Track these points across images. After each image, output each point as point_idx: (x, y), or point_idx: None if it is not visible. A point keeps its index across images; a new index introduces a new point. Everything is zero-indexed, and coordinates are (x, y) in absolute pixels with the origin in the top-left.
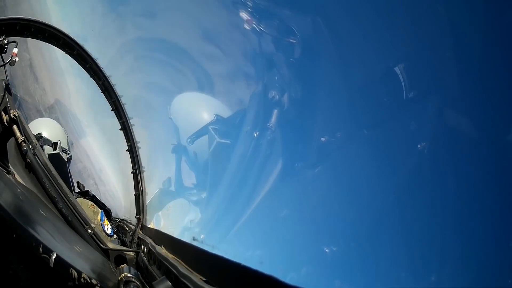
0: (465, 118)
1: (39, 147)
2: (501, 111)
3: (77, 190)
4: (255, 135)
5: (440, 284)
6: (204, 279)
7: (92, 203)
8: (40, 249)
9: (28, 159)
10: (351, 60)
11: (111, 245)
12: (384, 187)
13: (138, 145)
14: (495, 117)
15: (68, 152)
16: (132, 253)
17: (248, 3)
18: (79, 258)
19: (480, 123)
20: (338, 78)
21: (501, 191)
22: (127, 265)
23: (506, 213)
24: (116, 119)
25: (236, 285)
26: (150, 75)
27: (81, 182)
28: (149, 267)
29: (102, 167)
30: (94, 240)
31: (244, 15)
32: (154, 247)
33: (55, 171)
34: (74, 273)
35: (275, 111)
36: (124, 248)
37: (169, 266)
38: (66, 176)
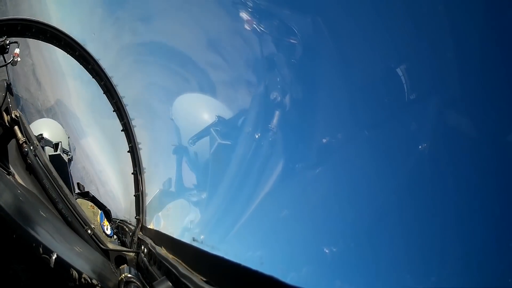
0: (465, 119)
1: (40, 148)
2: (502, 111)
3: (77, 191)
4: (256, 136)
5: (440, 284)
6: (204, 279)
7: (92, 204)
8: (41, 249)
9: (29, 160)
10: (351, 61)
11: (111, 246)
12: (385, 188)
13: (139, 146)
14: (495, 118)
15: (69, 153)
16: (132, 254)
17: (248, 3)
18: (80, 259)
19: (481, 123)
20: (339, 78)
21: (501, 191)
22: (127, 265)
23: (506, 213)
24: (117, 120)
25: (237, 286)
26: (152, 76)
27: (81, 183)
28: (150, 267)
29: (102, 168)
30: (94, 241)
31: (244, 16)
32: (154, 248)
33: (55, 172)
34: (75, 273)
35: (277, 112)
36: (124, 248)
37: (169, 266)
38: (66, 177)
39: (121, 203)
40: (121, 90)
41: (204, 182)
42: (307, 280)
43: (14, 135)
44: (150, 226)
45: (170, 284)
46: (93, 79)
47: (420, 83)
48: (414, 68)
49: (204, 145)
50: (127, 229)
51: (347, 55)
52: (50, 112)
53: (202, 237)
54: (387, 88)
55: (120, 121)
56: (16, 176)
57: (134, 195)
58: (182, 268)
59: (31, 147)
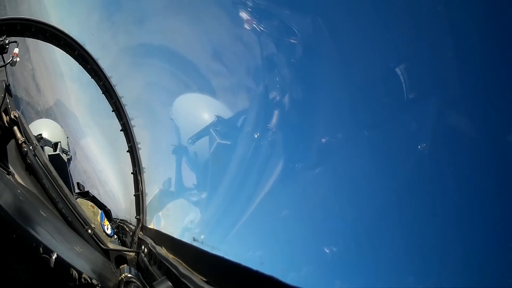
0: (465, 119)
1: (40, 148)
2: (502, 111)
3: (77, 190)
4: (256, 136)
5: (440, 284)
6: (204, 279)
7: (92, 203)
8: (41, 249)
9: (28, 160)
10: (351, 61)
11: (111, 246)
12: (385, 188)
13: (139, 146)
14: (495, 118)
15: (68, 153)
16: (132, 254)
17: (248, 3)
18: (80, 259)
19: (481, 123)
20: (339, 78)
21: (501, 191)
22: (127, 265)
23: (506, 213)
24: (116, 120)
25: (237, 286)
26: (151, 76)
27: (81, 183)
28: (150, 267)
29: (102, 168)
30: (94, 241)
31: (244, 15)
32: (154, 248)
33: (55, 172)
34: (75, 273)
35: (276, 112)
36: (125, 248)
37: (169, 266)
38: (66, 177)
39: (121, 203)
40: (120, 90)
41: (204, 181)
42: (307, 280)
43: (14, 135)
44: (151, 226)
45: (170, 284)
46: (92, 79)
47: (420, 83)
48: (414, 68)
49: (203, 145)
50: (127, 229)
51: (347, 55)
52: (49, 113)
53: (202, 237)
54: (387, 88)
55: (119, 121)
56: (16, 176)
57: (134, 195)
58: (182, 268)
59: (31, 147)
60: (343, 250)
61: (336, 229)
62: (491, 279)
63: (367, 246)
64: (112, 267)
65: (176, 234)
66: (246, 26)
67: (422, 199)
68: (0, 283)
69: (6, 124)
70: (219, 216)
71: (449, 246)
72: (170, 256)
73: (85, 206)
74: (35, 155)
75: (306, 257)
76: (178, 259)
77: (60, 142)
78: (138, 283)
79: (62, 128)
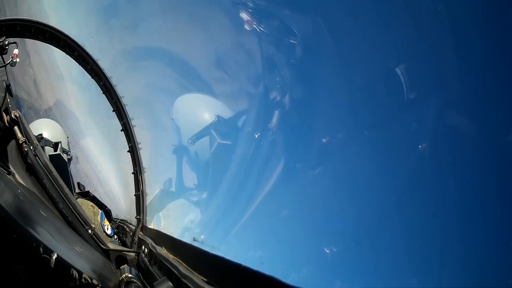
0: (465, 119)
1: (40, 148)
2: (502, 111)
3: (77, 190)
4: (256, 136)
5: (441, 284)
6: (205, 279)
7: (92, 203)
8: (41, 249)
9: (29, 160)
10: (352, 61)
11: (111, 246)
12: (385, 188)
13: (139, 146)
14: (495, 118)
15: (69, 153)
16: (132, 254)
17: (248, 3)
18: (80, 259)
19: (481, 123)
20: (339, 78)
21: (501, 191)
22: (128, 265)
23: (507, 213)
24: (116, 120)
25: (237, 286)
26: (152, 76)
27: (81, 182)
28: (150, 267)
29: (102, 168)
30: (94, 241)
31: (244, 16)
32: (154, 248)
33: (55, 172)
34: (75, 273)
35: (276, 112)
36: (125, 248)
37: (170, 266)
38: (66, 176)
39: (122, 203)
40: (120, 90)
41: (205, 182)
42: (307, 280)
43: (14, 135)
44: (151, 226)
45: (171, 284)
46: (93, 79)
47: (420, 83)
48: (414, 68)
49: (204, 145)
50: (127, 229)
51: (347, 55)
52: (49, 113)
53: (202, 237)
54: (387, 88)
55: (120, 121)
56: (16, 176)
57: (134, 195)
58: (183, 268)
59: (31, 147)
60: (343, 250)
61: (336, 229)
62: (491, 279)
63: (367, 246)
64: (112, 267)
65: (176, 234)
66: (246, 26)
67: (422, 199)
68: (1, 283)
69: (7, 124)
70: (219, 216)
71: (449, 246)
72: (170, 256)
73: (85, 206)
74: (35, 155)
75: (306, 257)
76: (178, 259)
77: (60, 142)
78: (139, 283)
79: (63, 128)
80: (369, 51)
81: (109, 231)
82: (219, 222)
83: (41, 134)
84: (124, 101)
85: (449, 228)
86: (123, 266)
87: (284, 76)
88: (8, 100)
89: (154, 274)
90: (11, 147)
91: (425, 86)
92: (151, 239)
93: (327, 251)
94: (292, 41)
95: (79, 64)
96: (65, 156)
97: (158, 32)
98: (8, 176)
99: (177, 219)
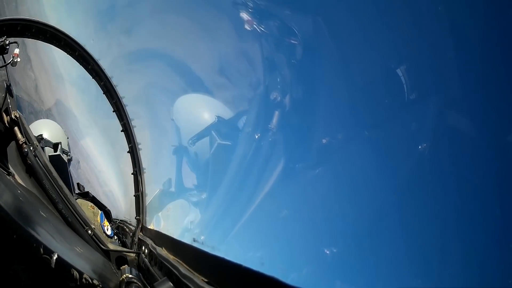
0: (465, 119)
1: (40, 148)
2: (502, 112)
3: (77, 191)
4: (256, 136)
5: (441, 285)
6: (205, 280)
7: (92, 204)
8: (41, 250)
9: (28, 161)
10: (352, 61)
11: (111, 246)
12: (385, 188)
13: (139, 146)
14: (495, 118)
15: (68, 153)
16: (133, 254)
17: (248, 3)
18: (80, 259)
19: (481, 123)
20: (339, 78)
21: (501, 191)
22: (128, 266)
23: (507, 213)
24: (116, 120)
25: (238, 286)
26: (152, 76)
27: (81, 183)
28: (151, 268)
29: (102, 169)
30: (94, 241)
31: (244, 16)
32: (155, 248)
33: (55, 173)
34: (76, 273)
35: (276, 113)
36: (125, 249)
37: (170, 267)
38: (66, 177)
39: (121, 204)
40: (121, 90)
41: (204, 182)
42: (307, 280)
43: (14, 136)
44: (150, 226)
45: (171, 284)
46: (93, 79)
47: (420, 84)
48: (415, 68)
49: (204, 146)
50: (127, 230)
51: (347, 55)
52: (49, 114)
53: (202, 237)
54: (388, 88)
55: (120, 122)
56: (16, 177)
57: (134, 195)
58: (183, 268)
59: (31, 148)
60: (343, 251)
61: (337, 230)
62: (492, 279)
63: (367, 246)
64: (113, 267)
65: (176, 235)
66: (246, 27)
67: (422, 199)
68: (1, 283)
69: (7, 125)
70: (219, 217)
71: (450, 246)
72: (170, 257)
73: (85, 206)
74: (35, 156)
75: (306, 257)
76: (178, 260)
77: (60, 142)
78: (139, 284)
79: (63, 128)
80: (369, 51)
81: (109, 232)
82: (219, 222)
83: (41, 135)
84: (124, 101)
85: (449, 228)
86: (123, 266)
87: (284, 76)
88: (9, 100)
89: (154, 274)
90: (11, 147)
91: (425, 86)
92: (151, 239)
93: (327, 252)
94: (292, 41)
95: (80, 64)
96: (65, 157)
97: (158, 32)
98: (8, 176)
99: (177, 220)
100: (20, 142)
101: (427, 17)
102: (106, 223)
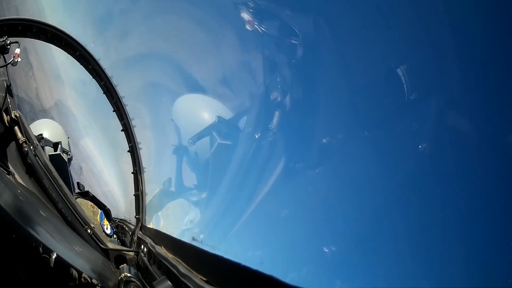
0: (467, 119)
1: (40, 148)
2: (503, 112)
3: (77, 190)
4: (257, 136)
5: (442, 284)
6: (204, 279)
7: (91, 203)
8: (40, 249)
9: (29, 160)
10: (352, 61)
11: (111, 245)
12: (385, 188)
13: (139, 146)
14: (496, 118)
15: (69, 153)
16: (132, 253)
17: (249, 3)
18: (79, 258)
19: (482, 124)
20: (339, 78)
21: (502, 191)
22: (127, 265)
23: (508, 213)
24: (116, 120)
25: (237, 285)
26: (153, 76)
27: (81, 182)
28: (149, 267)
29: (102, 168)
30: (94, 240)
31: (245, 16)
32: (154, 247)
33: (55, 172)
34: (75, 273)
35: (277, 113)
36: (124, 248)
37: (169, 266)
38: (66, 176)
39: (121, 203)
40: (121, 90)
41: (204, 181)
42: (307, 280)
43: (14, 135)
44: (150, 225)
45: (170, 283)
46: (93, 79)
47: (421, 84)
48: (415, 68)
49: (204, 145)
50: (127, 229)
51: (347, 55)
52: (49, 113)
53: (202, 236)
54: (388, 88)
55: (120, 121)
56: (16, 176)
57: (134, 195)
58: (182, 267)
59: (31, 147)
60: (343, 250)
61: (337, 229)
62: (493, 279)
63: (367, 246)
64: (111, 266)
65: (175, 234)
66: (247, 26)
67: (423, 199)
68: (0, 283)
69: (7, 124)
70: (219, 216)
71: (451, 246)
72: (169, 256)
73: (84, 206)
74: (35, 155)
75: (306, 256)
76: (177, 259)
77: (60, 142)
78: (138, 283)
79: (63, 128)
80: (370, 51)
81: (108, 231)
82: (218, 221)
83: (41, 134)
84: (124, 101)
85: (450, 228)
86: (122, 265)
87: (284, 76)
88: (9, 100)
89: (153, 273)
90: (11, 147)
91: (426, 86)
92: (151, 238)
93: (327, 251)
94: (293, 41)
95: (81, 64)
96: (65, 156)
97: (158, 32)
98: (7, 176)
99: (177, 219)
100: (20, 142)
101: (428, 17)
102: (105, 222)
